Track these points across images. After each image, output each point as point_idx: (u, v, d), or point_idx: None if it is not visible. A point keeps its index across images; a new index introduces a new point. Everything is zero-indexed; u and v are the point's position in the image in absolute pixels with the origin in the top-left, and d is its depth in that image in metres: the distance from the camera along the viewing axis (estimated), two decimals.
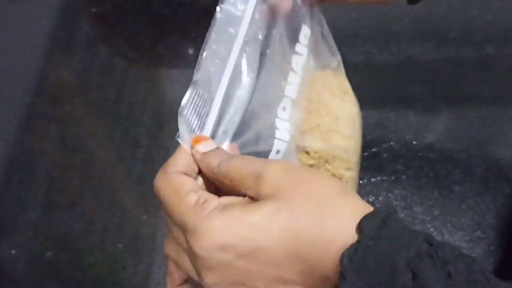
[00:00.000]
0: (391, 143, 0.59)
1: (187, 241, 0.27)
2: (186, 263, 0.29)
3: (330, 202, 0.26)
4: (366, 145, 0.50)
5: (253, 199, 0.27)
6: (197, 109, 0.37)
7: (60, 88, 0.68)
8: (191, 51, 0.68)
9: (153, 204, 0.56)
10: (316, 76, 0.47)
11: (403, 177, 0.57)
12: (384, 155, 0.58)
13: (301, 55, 0.45)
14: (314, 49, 0.46)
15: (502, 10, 0.69)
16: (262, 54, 0.44)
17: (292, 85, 0.43)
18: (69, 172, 0.59)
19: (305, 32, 0.46)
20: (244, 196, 0.28)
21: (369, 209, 0.26)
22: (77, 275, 0.52)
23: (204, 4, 0.74)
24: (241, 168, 0.28)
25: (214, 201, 0.27)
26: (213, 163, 0.30)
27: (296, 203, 0.26)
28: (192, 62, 0.66)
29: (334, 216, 0.25)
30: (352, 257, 0.23)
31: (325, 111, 0.46)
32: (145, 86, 0.67)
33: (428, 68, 0.65)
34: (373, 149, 0.59)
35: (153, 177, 0.62)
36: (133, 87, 0.66)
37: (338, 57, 0.49)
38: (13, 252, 0.54)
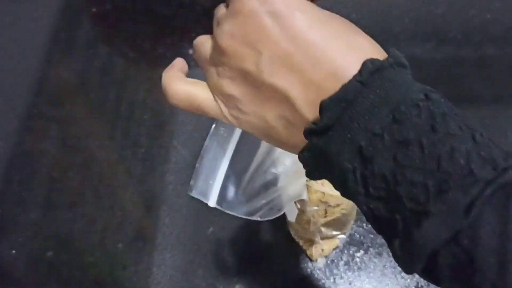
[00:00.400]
0: None
1: None
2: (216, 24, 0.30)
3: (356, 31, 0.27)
4: None
5: None
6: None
7: (60, 88, 0.68)
8: (191, 51, 0.68)
9: (153, 204, 0.56)
10: None
11: None
12: None
13: None
14: None
15: (502, 10, 0.69)
16: None
17: None
18: (69, 172, 0.59)
19: None
20: None
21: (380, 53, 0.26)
22: (77, 275, 0.52)
23: (204, 4, 0.74)
24: None
25: None
26: None
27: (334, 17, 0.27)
28: (192, 62, 0.66)
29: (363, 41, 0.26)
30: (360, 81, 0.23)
31: None
32: (145, 86, 0.67)
33: (428, 68, 0.65)
34: None
35: (153, 177, 0.62)
36: (133, 87, 0.66)
37: None
38: (13, 252, 0.54)
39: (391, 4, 0.71)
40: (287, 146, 0.27)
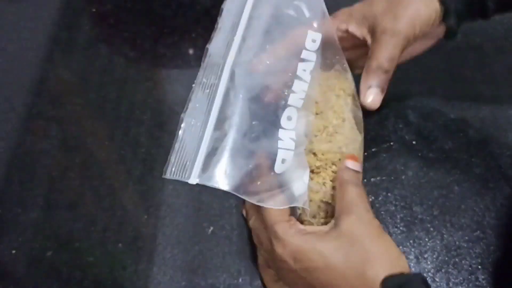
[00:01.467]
0: (391, 143, 0.59)
1: (271, 244, 0.40)
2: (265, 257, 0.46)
3: (373, 257, 0.36)
4: (366, 145, 0.50)
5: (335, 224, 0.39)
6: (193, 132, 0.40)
7: (60, 88, 0.68)
8: (191, 51, 0.68)
9: (153, 204, 0.56)
10: (321, 77, 0.47)
11: (403, 177, 0.57)
12: (384, 155, 0.58)
13: (310, 61, 0.45)
14: (321, 52, 0.47)
15: None
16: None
17: (297, 93, 0.43)
18: (69, 172, 0.59)
19: (312, 37, 0.46)
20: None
21: (398, 264, 0.36)
22: (77, 275, 0.52)
23: (204, 4, 0.74)
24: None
25: (300, 226, 0.40)
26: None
27: (353, 248, 0.36)
28: (192, 62, 0.66)
29: (372, 268, 0.36)
30: None
31: (332, 113, 0.46)
32: (145, 86, 0.67)
33: (428, 68, 0.65)
34: (373, 149, 0.59)
35: (153, 177, 0.62)
36: (133, 87, 0.66)
37: (343, 60, 0.49)
38: (13, 252, 0.54)
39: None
40: None
